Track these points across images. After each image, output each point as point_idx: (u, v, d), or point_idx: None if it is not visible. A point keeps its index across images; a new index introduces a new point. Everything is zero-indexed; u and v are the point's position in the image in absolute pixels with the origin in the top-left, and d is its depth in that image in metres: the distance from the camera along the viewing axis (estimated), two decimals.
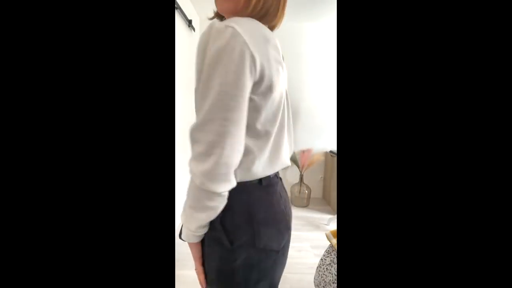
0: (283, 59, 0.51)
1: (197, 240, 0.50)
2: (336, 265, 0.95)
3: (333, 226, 2.13)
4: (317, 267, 1.01)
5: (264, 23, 0.49)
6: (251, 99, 0.44)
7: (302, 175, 2.59)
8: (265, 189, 0.51)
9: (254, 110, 0.45)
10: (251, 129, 0.46)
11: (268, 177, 0.51)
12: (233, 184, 0.44)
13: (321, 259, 1.00)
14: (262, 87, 0.43)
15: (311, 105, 2.70)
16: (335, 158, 2.51)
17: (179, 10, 1.82)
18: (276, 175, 0.56)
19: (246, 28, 0.41)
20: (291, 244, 1.79)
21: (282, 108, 0.50)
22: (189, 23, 2.11)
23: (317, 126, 2.73)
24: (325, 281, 0.93)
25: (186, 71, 2.19)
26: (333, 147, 2.75)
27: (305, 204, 2.55)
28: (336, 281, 0.93)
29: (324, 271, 0.95)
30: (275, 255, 0.52)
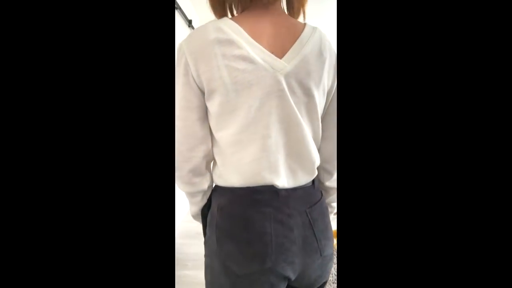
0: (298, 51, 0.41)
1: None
2: (336, 265, 0.95)
3: (333, 226, 2.12)
4: None
5: (254, 13, 0.42)
6: (207, 106, 0.43)
7: None
8: (240, 198, 0.43)
9: (210, 117, 0.44)
10: (213, 137, 0.45)
11: (246, 189, 0.43)
12: (198, 187, 0.46)
13: None
14: (206, 91, 0.41)
15: None
16: None
17: (179, 10, 1.83)
18: (277, 191, 0.43)
19: (195, 34, 0.40)
20: None
21: (252, 113, 0.40)
22: (189, 23, 2.11)
23: None
24: None
25: None
26: None
27: None
28: (336, 281, 0.92)
29: None
30: (234, 279, 0.42)
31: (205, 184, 0.47)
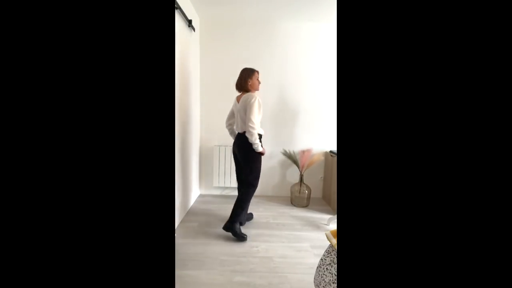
0: (246, 103, 1.82)
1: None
2: (336, 265, 0.95)
3: (333, 226, 2.13)
4: (317, 267, 1.01)
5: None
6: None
7: (302, 175, 2.59)
8: (237, 135, 1.98)
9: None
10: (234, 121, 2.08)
11: (239, 133, 1.94)
12: (229, 129, 2.11)
13: (321, 259, 1.00)
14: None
15: (311, 105, 2.70)
16: (335, 158, 2.51)
17: (179, 10, 1.83)
18: (240, 133, 1.91)
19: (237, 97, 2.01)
20: (291, 244, 1.79)
21: (235, 115, 1.99)
22: (189, 23, 2.12)
23: (317, 126, 2.73)
24: (325, 281, 0.93)
25: (186, 71, 2.19)
26: (333, 147, 2.75)
27: (305, 204, 2.55)
28: (336, 281, 0.93)
29: (324, 271, 0.95)
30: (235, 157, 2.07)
31: (230, 129, 2.09)
